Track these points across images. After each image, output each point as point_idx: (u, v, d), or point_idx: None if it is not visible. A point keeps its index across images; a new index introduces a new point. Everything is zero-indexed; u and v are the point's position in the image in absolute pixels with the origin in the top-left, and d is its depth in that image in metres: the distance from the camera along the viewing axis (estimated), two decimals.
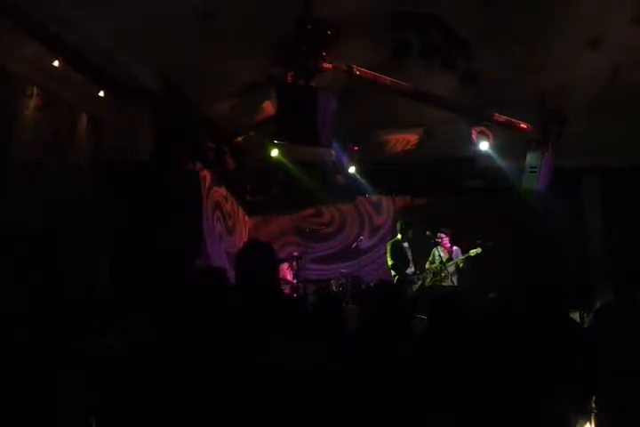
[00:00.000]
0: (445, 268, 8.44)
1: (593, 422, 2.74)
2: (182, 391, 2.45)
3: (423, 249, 8.81)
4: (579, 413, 2.84)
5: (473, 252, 8.51)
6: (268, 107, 7.56)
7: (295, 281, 9.00)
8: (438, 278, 8.51)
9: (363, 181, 9.98)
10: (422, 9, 6.30)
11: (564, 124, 7.46)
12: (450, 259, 8.63)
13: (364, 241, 10.25)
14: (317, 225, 9.63)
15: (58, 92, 5.94)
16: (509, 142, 7.90)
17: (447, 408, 2.73)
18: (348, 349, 2.99)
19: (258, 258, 8.36)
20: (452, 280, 8.44)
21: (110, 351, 3.03)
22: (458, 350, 2.95)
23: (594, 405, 2.75)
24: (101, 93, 6.43)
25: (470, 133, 7.77)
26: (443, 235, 8.72)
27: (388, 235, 10.21)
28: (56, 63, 5.69)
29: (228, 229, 10.10)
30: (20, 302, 3.01)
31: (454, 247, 8.75)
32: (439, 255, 8.54)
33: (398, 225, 8.93)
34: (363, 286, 8.71)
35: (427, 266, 8.73)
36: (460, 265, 8.60)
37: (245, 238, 10.84)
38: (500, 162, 8.37)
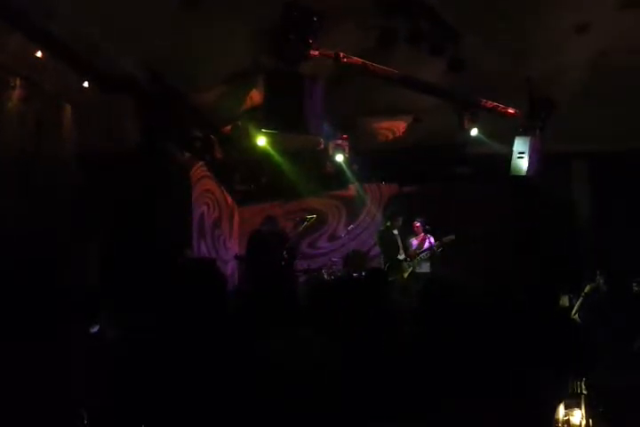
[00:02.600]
0: (418, 256, 8.55)
1: (583, 405, 2.77)
2: (181, 390, 2.45)
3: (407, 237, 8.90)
4: (566, 396, 2.87)
5: (447, 239, 8.53)
6: (256, 95, 7.51)
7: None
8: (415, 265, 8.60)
9: (351, 168, 9.97)
10: None
11: (551, 110, 7.46)
12: (422, 247, 8.68)
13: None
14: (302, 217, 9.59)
15: (41, 83, 5.86)
16: (498, 128, 7.90)
17: (447, 408, 2.74)
18: (346, 346, 3.00)
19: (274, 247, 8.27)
20: (422, 267, 8.53)
21: (106, 347, 3.03)
22: (456, 347, 2.96)
23: (583, 387, 2.78)
24: (86, 84, 6.35)
25: (460, 120, 7.76)
26: (417, 223, 8.76)
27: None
28: (39, 54, 5.62)
29: (216, 219, 10.07)
30: (13, 299, 2.99)
31: (428, 236, 8.77)
32: (411, 244, 8.72)
33: (388, 213, 8.95)
34: (354, 274, 8.74)
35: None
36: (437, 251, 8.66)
37: (236, 228, 10.82)
38: (490, 148, 8.37)
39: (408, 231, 8.91)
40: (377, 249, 9.60)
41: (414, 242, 8.83)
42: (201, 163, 9.25)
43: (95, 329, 3.17)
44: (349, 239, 10.39)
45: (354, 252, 9.75)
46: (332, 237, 10.67)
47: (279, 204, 10.70)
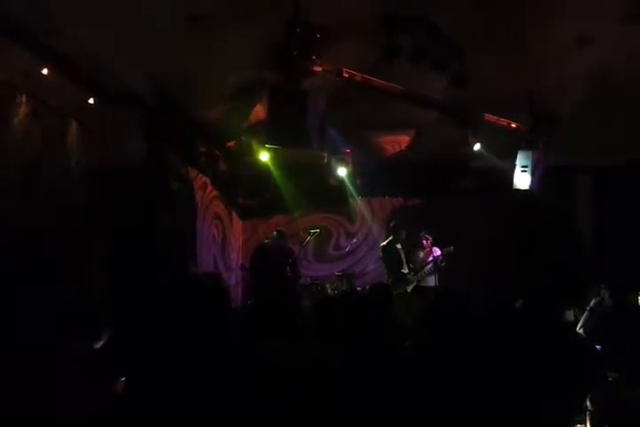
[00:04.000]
0: (422, 270, 8.55)
1: (588, 421, 2.75)
2: (182, 392, 2.45)
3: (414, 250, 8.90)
4: (573, 412, 2.85)
5: (445, 251, 8.54)
6: (260, 111, 7.56)
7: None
8: (419, 279, 8.57)
9: (355, 183, 10.01)
10: (413, 11, 6.32)
11: (554, 124, 7.49)
12: (425, 260, 8.68)
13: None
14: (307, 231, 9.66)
15: (47, 99, 5.91)
16: (501, 142, 7.92)
17: (447, 408, 2.74)
18: (348, 350, 3.00)
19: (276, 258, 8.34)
20: (427, 281, 8.51)
21: (107, 353, 3.03)
22: (456, 350, 2.96)
23: (588, 404, 2.76)
24: (91, 100, 6.40)
25: (463, 134, 7.79)
26: (424, 236, 8.75)
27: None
28: (45, 71, 5.68)
29: (223, 236, 10.12)
30: (15, 305, 3.00)
31: (435, 249, 8.76)
32: (417, 257, 8.73)
33: (391, 226, 8.94)
34: (358, 288, 8.73)
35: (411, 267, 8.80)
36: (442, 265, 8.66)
37: (240, 242, 10.84)
38: (493, 162, 8.39)
39: (413, 245, 8.89)
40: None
41: (420, 255, 8.81)
42: (207, 177, 9.30)
43: (99, 345, 3.18)
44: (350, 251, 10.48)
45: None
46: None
47: (282, 218, 10.74)
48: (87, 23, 5.42)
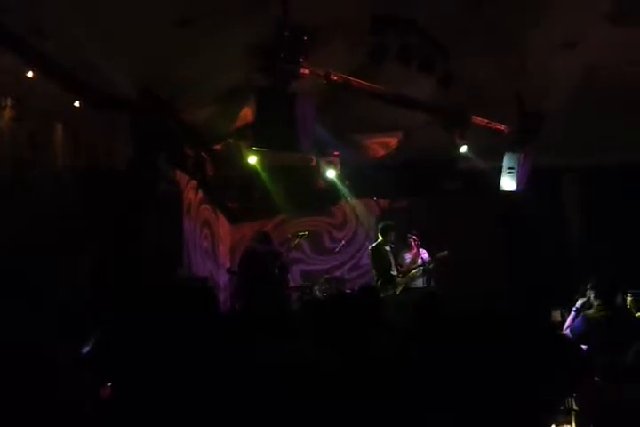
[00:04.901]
0: (411, 271, 8.56)
1: (573, 421, 2.77)
2: (168, 397, 2.44)
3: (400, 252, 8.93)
4: (558, 412, 2.87)
5: (440, 255, 8.55)
6: (247, 113, 7.56)
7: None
8: (408, 281, 8.58)
9: (343, 185, 10.03)
10: (403, 12, 6.34)
11: (540, 125, 7.52)
12: (416, 262, 8.68)
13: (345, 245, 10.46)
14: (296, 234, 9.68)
15: (32, 102, 5.88)
16: (488, 144, 7.96)
17: (446, 408, 2.74)
18: (338, 352, 3.00)
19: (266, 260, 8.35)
20: (422, 282, 8.53)
21: (94, 358, 3.01)
22: (443, 350, 2.97)
23: (574, 404, 2.77)
24: (77, 103, 6.37)
25: (450, 136, 7.81)
26: (412, 237, 8.75)
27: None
28: (30, 74, 5.64)
29: (212, 239, 10.10)
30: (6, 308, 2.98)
31: (422, 250, 8.77)
32: (405, 258, 8.72)
33: (380, 228, 8.94)
34: (347, 290, 8.72)
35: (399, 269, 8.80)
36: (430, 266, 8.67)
37: (228, 246, 10.81)
38: (479, 164, 8.42)
39: (401, 246, 8.91)
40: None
41: (408, 257, 8.82)
42: (195, 181, 9.28)
43: (86, 350, 3.16)
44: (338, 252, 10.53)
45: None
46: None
47: (271, 221, 10.73)
48: (74, 25, 5.40)
